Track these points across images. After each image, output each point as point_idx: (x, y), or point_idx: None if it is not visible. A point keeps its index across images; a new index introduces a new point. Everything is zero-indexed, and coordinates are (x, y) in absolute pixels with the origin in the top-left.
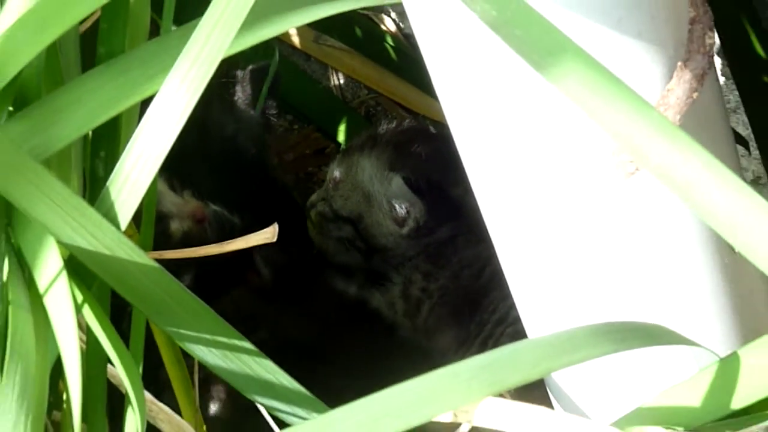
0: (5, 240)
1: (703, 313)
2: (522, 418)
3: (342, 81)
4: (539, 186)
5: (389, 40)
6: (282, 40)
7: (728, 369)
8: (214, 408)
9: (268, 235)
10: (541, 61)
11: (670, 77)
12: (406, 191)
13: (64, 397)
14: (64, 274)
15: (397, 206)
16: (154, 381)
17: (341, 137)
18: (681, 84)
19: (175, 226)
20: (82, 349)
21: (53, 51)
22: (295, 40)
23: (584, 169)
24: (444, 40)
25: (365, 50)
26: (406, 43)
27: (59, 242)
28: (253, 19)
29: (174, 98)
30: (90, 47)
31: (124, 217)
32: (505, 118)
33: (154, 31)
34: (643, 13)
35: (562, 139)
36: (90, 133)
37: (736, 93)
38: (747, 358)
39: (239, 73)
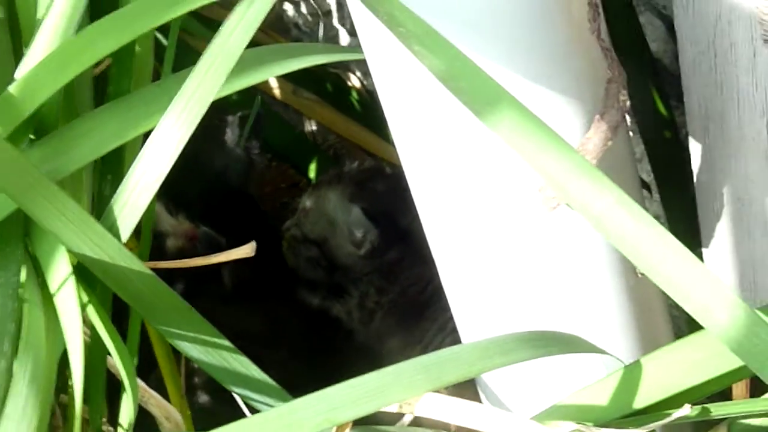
0: (23, 248)
1: (610, 326)
2: (457, 411)
3: (314, 127)
4: (476, 217)
5: (354, 94)
6: (265, 91)
7: (631, 374)
8: (198, 396)
9: (248, 250)
10: (481, 110)
11: (588, 127)
12: (363, 219)
13: (70, 382)
14: (72, 278)
15: (355, 231)
16: (149, 376)
17: (312, 174)
18: (598, 133)
19: (171, 243)
20: (86, 342)
21: (70, 89)
22: (276, 92)
23: (514, 202)
24: (400, 91)
25: (334, 102)
26: (368, 97)
27: (69, 251)
28: (238, 69)
29: (170, 133)
30: (101, 87)
31: (125, 231)
32: (448, 159)
33: (156, 76)
34: (569, 74)
35: (495, 176)
36: (99, 159)
37: (642, 146)
38: (647, 365)
39: (230, 118)
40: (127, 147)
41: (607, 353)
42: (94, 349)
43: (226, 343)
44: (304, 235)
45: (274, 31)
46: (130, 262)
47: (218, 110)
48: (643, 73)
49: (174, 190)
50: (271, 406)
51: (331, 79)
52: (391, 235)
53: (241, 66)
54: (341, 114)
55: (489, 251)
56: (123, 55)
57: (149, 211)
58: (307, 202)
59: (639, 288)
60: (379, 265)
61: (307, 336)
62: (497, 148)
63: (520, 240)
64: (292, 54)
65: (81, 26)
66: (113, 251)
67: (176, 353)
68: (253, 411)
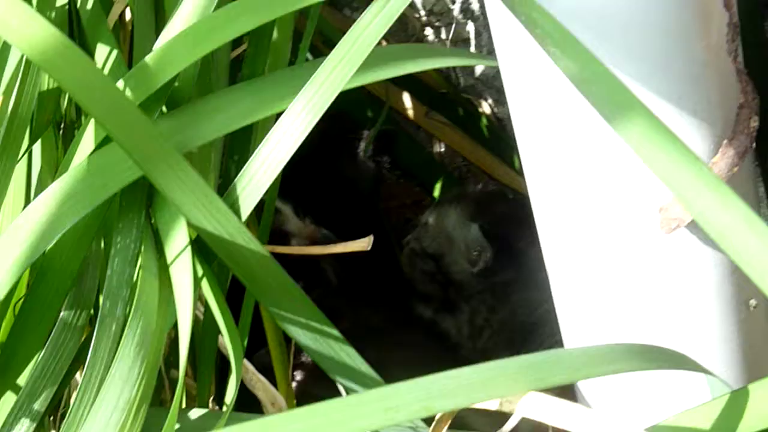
0: (145, 217)
1: (715, 356)
2: (562, 413)
3: (443, 149)
4: (593, 231)
5: (484, 120)
6: (399, 112)
7: (738, 400)
8: (302, 386)
9: (364, 244)
10: (612, 115)
11: (715, 152)
12: (480, 238)
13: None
14: (189, 249)
15: (471, 249)
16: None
17: (436, 193)
18: (724, 159)
19: (295, 243)
20: (198, 319)
21: (206, 67)
22: (410, 113)
23: (634, 222)
24: (530, 102)
25: (464, 127)
26: (498, 124)
27: (189, 224)
28: (371, 63)
29: (298, 117)
30: (237, 71)
31: (246, 209)
32: (572, 173)
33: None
34: (701, 95)
35: (616, 194)
36: (228, 140)
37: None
38: (755, 392)
39: (365, 132)
40: (257, 130)
41: (715, 375)
42: (207, 327)
43: (335, 332)
44: (422, 249)
45: None
46: (249, 241)
47: (354, 123)
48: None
49: (304, 194)
50: None
51: (463, 104)
52: (506, 256)
53: (374, 61)
54: (470, 139)
55: (602, 266)
56: (260, 38)
57: (272, 194)
58: (429, 218)
59: (749, 322)
60: (492, 284)
61: (413, 342)
62: (620, 165)
63: (633, 259)
64: (423, 54)
65: (222, 3)
66: (232, 228)
67: (287, 341)
68: None
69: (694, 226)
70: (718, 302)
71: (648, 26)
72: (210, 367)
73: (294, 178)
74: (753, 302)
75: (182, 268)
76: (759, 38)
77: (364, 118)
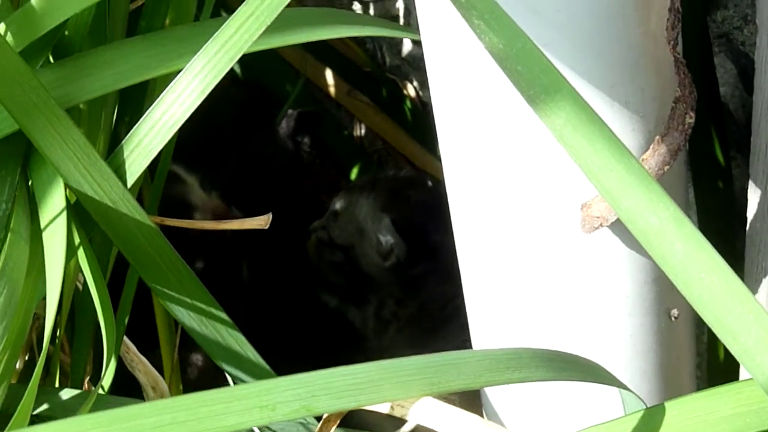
0: (20, 175)
1: (632, 365)
2: (455, 422)
3: (363, 131)
4: (513, 225)
5: (408, 103)
6: (321, 89)
7: (652, 418)
8: (192, 372)
9: (262, 221)
10: (536, 97)
11: (646, 148)
12: (392, 232)
13: (59, 332)
14: (65, 214)
15: (383, 243)
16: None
17: (353, 176)
18: (655, 156)
19: (197, 217)
20: (78, 290)
21: (101, 18)
22: (332, 90)
23: (553, 218)
24: (451, 84)
25: (387, 109)
26: (422, 109)
27: (68, 186)
28: (282, 26)
29: (196, 77)
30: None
31: (132, 175)
32: (491, 168)
33: None
34: (635, 85)
35: (538, 188)
36: (120, 101)
37: (692, 192)
38: (671, 411)
39: (290, 111)
40: (153, 90)
41: (630, 390)
42: (85, 300)
43: (224, 316)
44: (330, 239)
45: None
46: (133, 209)
47: (277, 101)
48: (707, 115)
49: (214, 167)
50: None
51: (387, 85)
52: (419, 249)
53: (286, 23)
54: (392, 122)
55: (516, 264)
56: None
57: (164, 161)
58: (338, 204)
59: (669, 333)
60: (403, 278)
61: (316, 337)
62: (542, 156)
63: (550, 258)
64: (340, 20)
65: None
66: (115, 194)
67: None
68: None
69: (617, 227)
70: (638, 309)
71: (584, 4)
72: (86, 345)
73: (206, 149)
74: (675, 312)
75: (56, 234)
76: (700, 29)
77: (284, 92)
